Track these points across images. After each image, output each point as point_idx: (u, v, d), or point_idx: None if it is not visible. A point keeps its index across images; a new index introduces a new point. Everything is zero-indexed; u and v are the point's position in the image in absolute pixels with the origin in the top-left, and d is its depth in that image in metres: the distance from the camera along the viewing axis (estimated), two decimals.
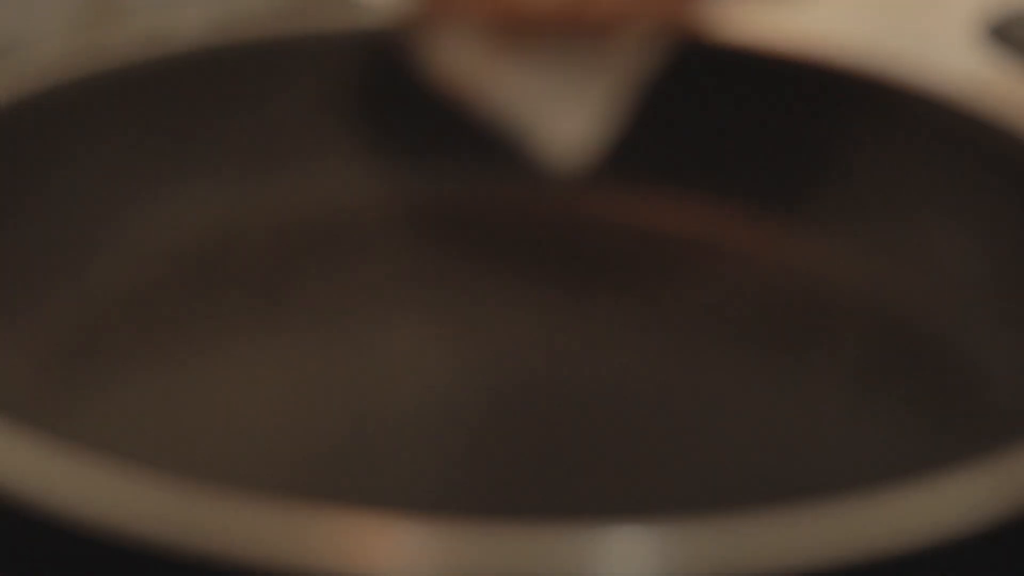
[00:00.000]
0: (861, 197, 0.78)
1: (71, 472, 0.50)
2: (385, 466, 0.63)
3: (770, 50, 0.80)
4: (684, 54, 0.82)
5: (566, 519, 0.60)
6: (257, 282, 0.72)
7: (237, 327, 0.69)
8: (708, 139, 0.80)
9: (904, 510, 0.51)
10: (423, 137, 0.80)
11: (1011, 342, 0.70)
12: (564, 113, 0.66)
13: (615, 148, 0.79)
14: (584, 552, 0.49)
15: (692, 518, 0.50)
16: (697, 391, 0.68)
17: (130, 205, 0.77)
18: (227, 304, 0.71)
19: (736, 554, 0.50)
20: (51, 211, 0.74)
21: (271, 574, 0.48)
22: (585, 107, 0.64)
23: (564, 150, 0.65)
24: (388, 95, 0.82)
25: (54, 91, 0.76)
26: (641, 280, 0.76)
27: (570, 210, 0.80)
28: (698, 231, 0.79)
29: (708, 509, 0.61)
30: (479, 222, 0.78)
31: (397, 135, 0.81)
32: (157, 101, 0.79)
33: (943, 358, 0.70)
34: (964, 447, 0.65)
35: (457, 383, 0.67)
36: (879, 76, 0.79)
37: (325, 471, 0.62)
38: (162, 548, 0.48)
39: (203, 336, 0.68)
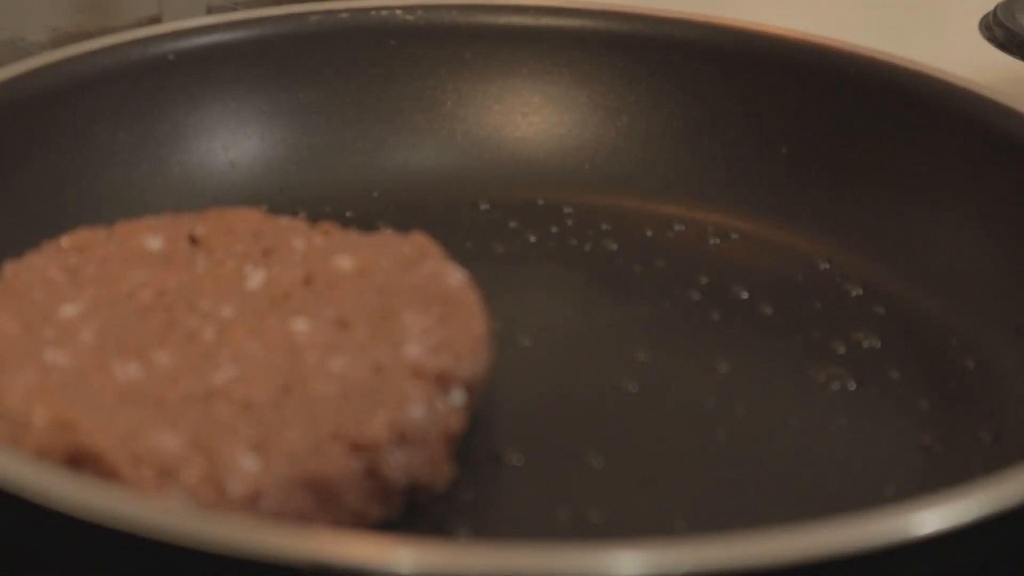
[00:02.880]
0: (869, 196, 0.78)
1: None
2: None
3: (776, 42, 0.80)
4: (679, 49, 0.82)
5: (566, 519, 0.61)
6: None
7: None
8: (714, 140, 0.80)
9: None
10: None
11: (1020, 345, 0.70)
12: None
13: (624, 153, 0.80)
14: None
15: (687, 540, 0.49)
16: (699, 392, 0.67)
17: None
18: None
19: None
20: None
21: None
22: None
23: None
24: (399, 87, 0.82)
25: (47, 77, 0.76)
26: (640, 279, 0.76)
27: (582, 212, 0.80)
28: (704, 231, 0.79)
29: (713, 513, 0.61)
30: (504, 223, 0.79)
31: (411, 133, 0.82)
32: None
33: (952, 359, 0.70)
34: (972, 449, 0.66)
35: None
36: (881, 72, 0.79)
37: None
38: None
39: None
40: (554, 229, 0.79)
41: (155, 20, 1.04)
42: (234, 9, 0.83)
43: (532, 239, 0.78)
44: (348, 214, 0.78)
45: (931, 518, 0.50)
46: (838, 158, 0.78)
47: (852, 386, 0.68)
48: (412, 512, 0.59)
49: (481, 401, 0.63)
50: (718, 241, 0.79)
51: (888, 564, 0.51)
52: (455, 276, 0.65)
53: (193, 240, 0.67)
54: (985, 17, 0.90)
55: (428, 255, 0.66)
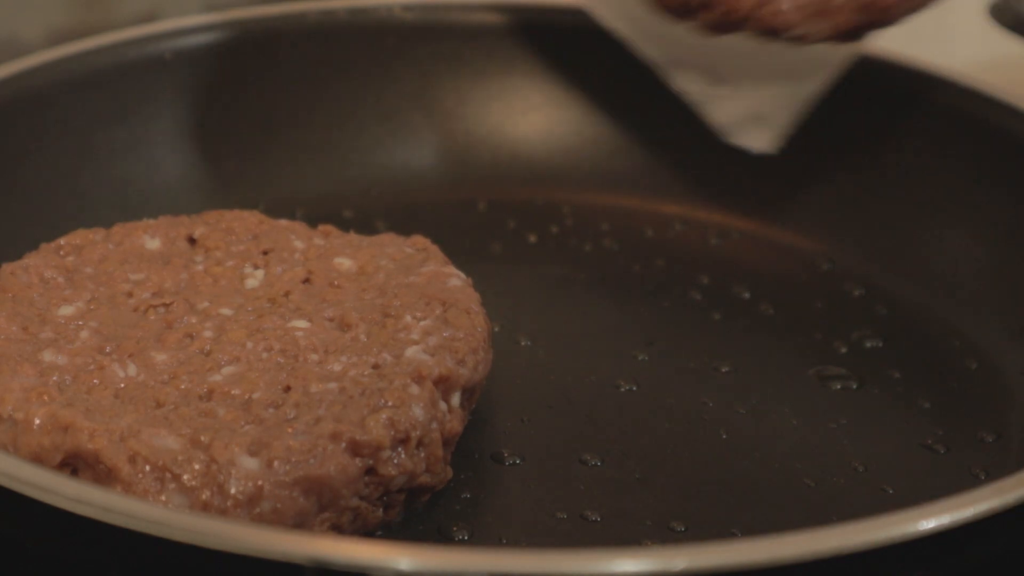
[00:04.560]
0: (871, 196, 0.78)
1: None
2: None
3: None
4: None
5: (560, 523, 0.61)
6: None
7: None
8: (715, 139, 0.80)
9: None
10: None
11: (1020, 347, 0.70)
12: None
13: (624, 152, 0.79)
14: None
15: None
16: (699, 392, 0.67)
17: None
18: None
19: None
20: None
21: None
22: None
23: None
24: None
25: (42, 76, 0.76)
26: (640, 279, 0.76)
27: (582, 212, 0.80)
28: (705, 231, 0.79)
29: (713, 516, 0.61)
30: (503, 223, 0.79)
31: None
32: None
33: (954, 359, 0.70)
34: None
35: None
36: (884, 70, 0.78)
37: None
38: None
39: None
40: (554, 229, 0.79)
41: (152, 16, 1.04)
42: (231, 7, 0.82)
43: (532, 239, 0.78)
44: (346, 214, 0.78)
45: (933, 518, 0.50)
46: (840, 157, 0.78)
47: (854, 386, 0.68)
48: (411, 512, 0.59)
49: (480, 402, 0.63)
50: (719, 241, 0.78)
51: (890, 563, 0.51)
52: (455, 277, 0.65)
53: (192, 240, 0.67)
54: (995, 1, 0.90)
55: (428, 256, 0.66)
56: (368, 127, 0.81)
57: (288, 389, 0.58)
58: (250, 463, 0.55)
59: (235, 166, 0.79)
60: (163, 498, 0.54)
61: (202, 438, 0.55)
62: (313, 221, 0.69)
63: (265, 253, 0.66)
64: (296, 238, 0.67)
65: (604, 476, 0.63)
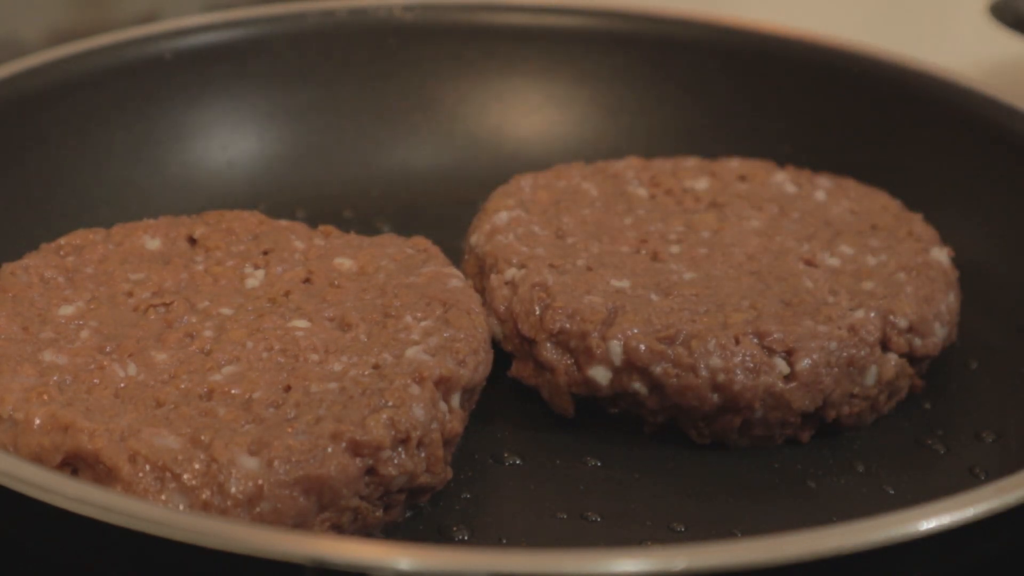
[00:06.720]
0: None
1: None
2: None
3: (778, 40, 0.80)
4: (680, 48, 0.82)
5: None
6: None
7: None
8: (716, 139, 0.80)
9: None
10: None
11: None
12: None
13: (625, 152, 0.79)
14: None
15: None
16: None
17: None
18: None
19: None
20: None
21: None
22: None
23: None
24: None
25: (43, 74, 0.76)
26: None
27: None
28: None
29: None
30: None
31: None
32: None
33: (955, 359, 0.69)
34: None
35: None
36: (885, 70, 0.78)
37: None
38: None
39: None
40: None
41: (152, 16, 1.04)
42: (232, 7, 0.82)
43: None
44: (347, 214, 0.78)
45: (933, 518, 0.50)
46: (841, 156, 0.78)
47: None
48: (411, 512, 0.59)
49: (480, 402, 0.63)
50: None
51: (890, 563, 0.51)
52: (456, 278, 0.64)
53: (192, 240, 0.67)
54: (995, 1, 0.90)
55: (429, 257, 0.66)
56: (368, 127, 0.81)
57: (288, 389, 0.58)
58: (250, 463, 0.55)
59: (235, 166, 0.79)
60: (163, 498, 0.54)
61: (202, 437, 0.55)
62: (313, 221, 0.69)
63: (265, 253, 0.66)
64: (296, 238, 0.67)
65: (604, 476, 0.63)
